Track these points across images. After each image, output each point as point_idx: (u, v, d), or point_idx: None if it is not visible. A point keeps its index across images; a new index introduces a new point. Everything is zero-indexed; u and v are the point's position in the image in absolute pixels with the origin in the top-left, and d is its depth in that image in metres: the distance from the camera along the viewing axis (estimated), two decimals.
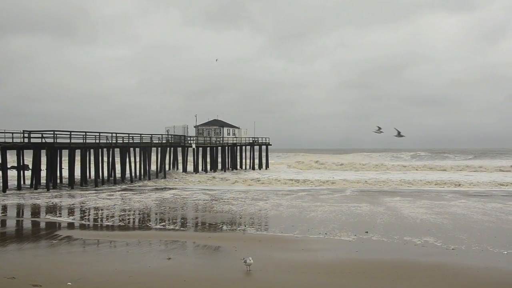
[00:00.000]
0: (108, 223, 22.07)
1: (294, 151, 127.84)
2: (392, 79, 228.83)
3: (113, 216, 24.01)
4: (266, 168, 73.52)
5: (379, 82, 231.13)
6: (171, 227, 20.67)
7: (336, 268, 13.18)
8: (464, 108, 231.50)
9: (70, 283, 11.44)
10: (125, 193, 35.85)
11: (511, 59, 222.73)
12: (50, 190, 37.85)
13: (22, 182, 40.65)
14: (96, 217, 24.35)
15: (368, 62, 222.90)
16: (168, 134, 58.27)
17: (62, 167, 45.66)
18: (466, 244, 16.63)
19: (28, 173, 43.70)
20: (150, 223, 22.01)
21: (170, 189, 40.46)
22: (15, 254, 15.11)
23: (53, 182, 40.12)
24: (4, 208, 27.66)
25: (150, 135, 52.54)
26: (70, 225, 21.48)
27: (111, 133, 45.65)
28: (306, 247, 16.09)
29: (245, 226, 20.97)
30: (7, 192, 36.19)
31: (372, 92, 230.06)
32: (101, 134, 44.24)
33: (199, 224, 22.18)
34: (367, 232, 18.91)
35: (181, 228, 20.42)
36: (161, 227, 20.69)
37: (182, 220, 23.12)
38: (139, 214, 24.99)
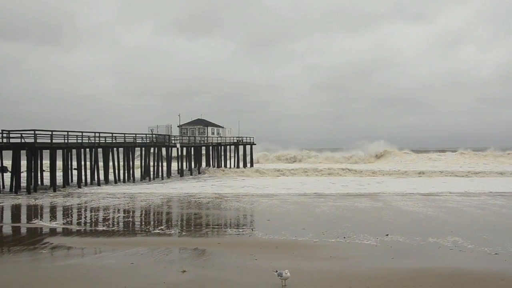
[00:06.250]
0: (102, 228, 19.81)
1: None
2: (362, 82, 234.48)
3: (106, 220, 21.94)
4: (250, 167, 71.83)
5: (349, 85, 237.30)
6: (172, 231, 18.78)
7: (384, 280, 11.40)
8: (434, 109, 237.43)
9: None
10: (111, 195, 33.67)
11: (473, 64, 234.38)
12: (32, 193, 35.40)
13: (1, 186, 37.93)
14: (89, 222, 22.20)
15: (338, 67, 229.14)
16: (152, 134, 55.88)
17: (43, 169, 43.27)
18: (499, 246, 15.25)
19: (6, 176, 41.18)
20: (148, 227, 20.06)
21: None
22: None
23: (34, 184, 37.58)
24: None
25: (134, 135, 50.30)
26: (63, 231, 19.37)
27: (94, 132, 43.39)
28: (334, 254, 14.36)
29: (252, 229, 19.23)
30: None
31: (344, 94, 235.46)
32: (83, 133, 41.92)
33: (203, 226, 20.14)
34: (387, 234, 17.37)
35: (183, 233, 18.56)
36: (160, 231, 18.74)
37: (180, 223, 21.24)
38: (134, 217, 23.00)
